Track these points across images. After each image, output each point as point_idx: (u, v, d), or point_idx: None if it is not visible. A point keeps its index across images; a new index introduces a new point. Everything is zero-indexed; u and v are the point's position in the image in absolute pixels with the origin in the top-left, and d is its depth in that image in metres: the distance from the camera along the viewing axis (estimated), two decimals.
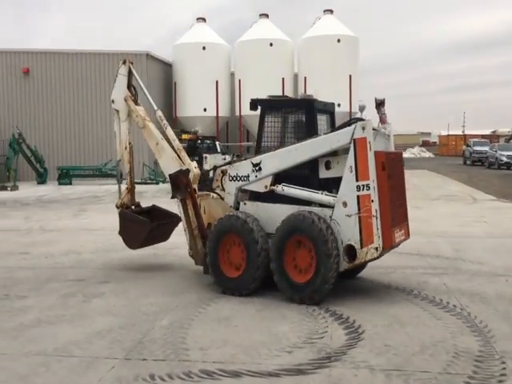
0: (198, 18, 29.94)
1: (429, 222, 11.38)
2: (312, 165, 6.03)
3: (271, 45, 27.71)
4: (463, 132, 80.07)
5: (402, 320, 5.05)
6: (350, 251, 5.53)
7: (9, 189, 21.28)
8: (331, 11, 28.53)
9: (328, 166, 6.01)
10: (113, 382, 3.91)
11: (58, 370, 4.13)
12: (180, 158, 6.91)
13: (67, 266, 7.75)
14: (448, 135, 64.20)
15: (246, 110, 27.11)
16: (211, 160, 20.88)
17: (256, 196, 6.29)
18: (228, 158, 26.08)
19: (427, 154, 60.88)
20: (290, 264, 5.68)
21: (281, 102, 6.76)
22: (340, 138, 5.86)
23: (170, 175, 6.70)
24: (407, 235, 6.01)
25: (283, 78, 27.60)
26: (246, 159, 6.44)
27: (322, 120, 6.51)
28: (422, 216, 12.34)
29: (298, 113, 6.40)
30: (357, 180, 5.59)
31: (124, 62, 7.74)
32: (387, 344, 4.48)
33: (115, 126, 7.63)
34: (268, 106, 6.52)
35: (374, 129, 6.02)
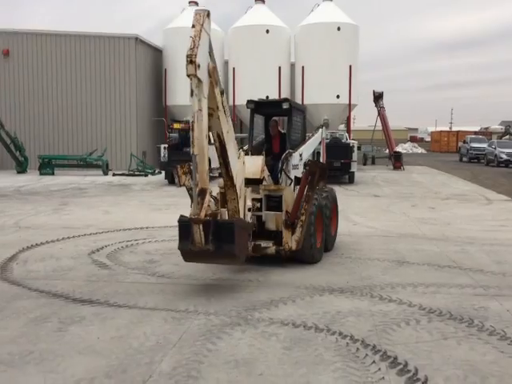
0: (190, 2, 28.43)
1: (451, 226, 10.27)
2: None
3: (267, 31, 26.34)
4: (450, 128, 79.51)
5: (478, 368, 3.86)
6: None
7: None
8: None
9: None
10: None
11: None
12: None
13: (41, 276, 6.43)
14: (440, 131, 63.42)
15: (240, 99, 25.73)
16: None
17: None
18: None
19: (419, 150, 60.09)
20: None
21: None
22: (320, 137, 8.63)
23: (322, 165, 6.73)
24: None
25: (280, 67, 26.29)
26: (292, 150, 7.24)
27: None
28: (440, 218, 11.27)
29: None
30: None
31: (208, 15, 5.38)
32: None
33: (195, 105, 5.14)
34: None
35: None
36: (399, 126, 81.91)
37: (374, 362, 3.96)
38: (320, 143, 8.52)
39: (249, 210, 6.42)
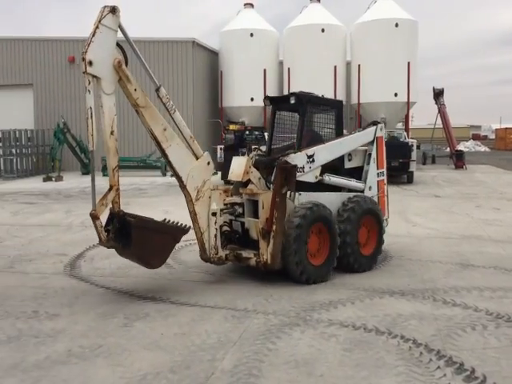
0: (245, 4, 28.66)
1: None
2: (340, 157, 6.92)
3: (323, 30, 26.06)
4: None
5: None
6: None
7: (53, 179, 20.94)
8: None
9: (349, 158, 7.08)
10: None
11: None
12: (192, 149, 6.00)
13: (107, 274, 6.73)
14: (506, 128, 60.33)
15: None
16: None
17: (302, 186, 6.33)
18: None
19: (482, 148, 57.52)
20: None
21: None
22: (368, 135, 7.21)
23: (285, 166, 5.86)
24: None
25: (335, 66, 25.96)
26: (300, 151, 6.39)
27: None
28: (506, 219, 10.74)
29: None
30: (377, 168, 7.25)
31: (113, 11, 5.32)
32: None
33: (89, 101, 5.22)
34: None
35: None
36: (461, 124, 78.66)
37: (438, 367, 3.85)
38: (373, 143, 7.18)
39: (213, 214, 5.88)
